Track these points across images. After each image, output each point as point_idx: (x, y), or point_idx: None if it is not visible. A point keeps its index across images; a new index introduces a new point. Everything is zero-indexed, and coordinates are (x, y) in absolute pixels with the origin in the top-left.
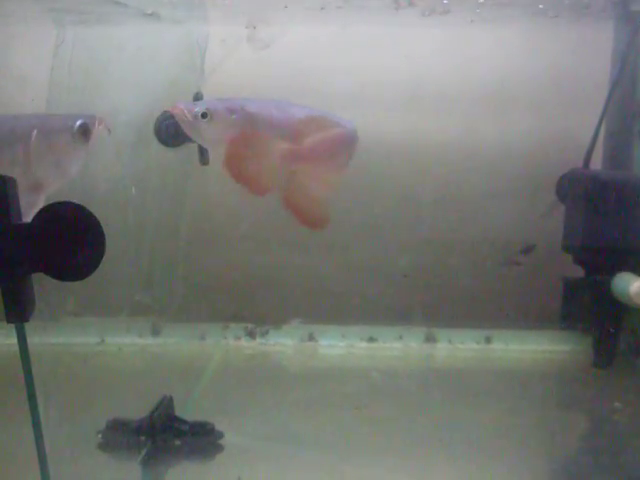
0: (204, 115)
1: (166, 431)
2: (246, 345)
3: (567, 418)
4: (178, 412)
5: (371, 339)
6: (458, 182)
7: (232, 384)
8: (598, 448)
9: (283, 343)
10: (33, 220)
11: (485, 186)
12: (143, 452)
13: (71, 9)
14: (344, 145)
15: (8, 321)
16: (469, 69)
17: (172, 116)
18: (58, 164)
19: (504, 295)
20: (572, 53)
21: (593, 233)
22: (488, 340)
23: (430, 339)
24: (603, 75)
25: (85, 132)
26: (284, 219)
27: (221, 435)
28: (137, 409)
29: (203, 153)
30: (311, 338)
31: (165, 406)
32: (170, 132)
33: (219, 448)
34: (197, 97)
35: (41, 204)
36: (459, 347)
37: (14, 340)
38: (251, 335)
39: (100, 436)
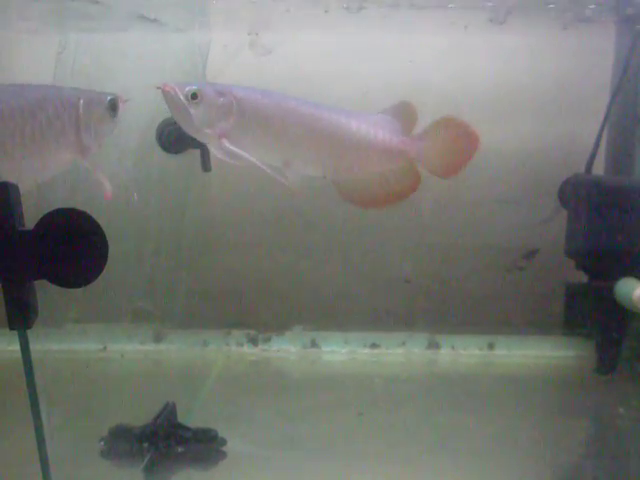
0: (194, 95)
1: (169, 438)
2: (249, 352)
3: (570, 424)
4: (181, 419)
5: (374, 345)
6: (460, 187)
7: (235, 391)
8: (601, 454)
9: (286, 349)
10: (36, 226)
11: (488, 192)
12: (146, 459)
13: (73, 15)
14: None
15: (11, 328)
16: (471, 74)
17: (175, 122)
18: (96, 133)
19: (507, 301)
20: (574, 58)
21: (596, 238)
22: (491, 346)
23: (433, 345)
24: (605, 80)
25: (114, 106)
26: (287, 225)
27: (224, 442)
28: (140, 416)
29: (205, 159)
30: (314, 344)
31: (168, 413)
32: (172, 138)
33: (222, 455)
34: None
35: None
36: (462, 353)
37: (17, 346)
38: (253, 342)
39: (102, 443)
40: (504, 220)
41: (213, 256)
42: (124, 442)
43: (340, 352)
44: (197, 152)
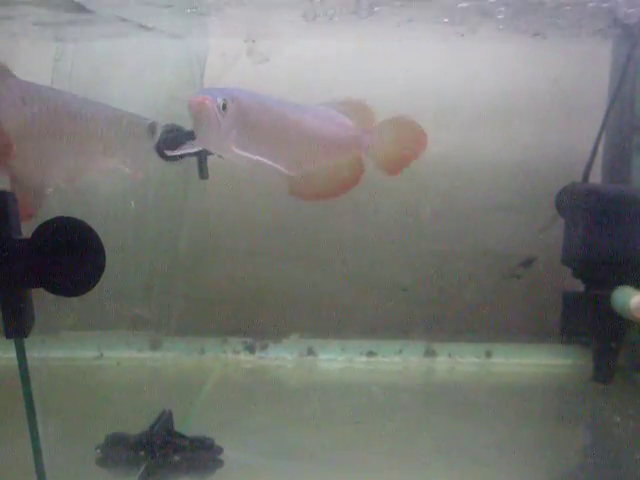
0: (224, 106)
1: (165, 446)
2: (245, 359)
3: (567, 432)
4: (177, 427)
5: (371, 353)
6: (458, 195)
7: (231, 399)
8: (598, 462)
9: (282, 357)
10: (33, 235)
11: (485, 199)
12: (142, 467)
13: (70, 24)
14: None
15: (7, 336)
16: (469, 83)
17: (172, 130)
18: (133, 154)
19: (504, 309)
20: (571, 67)
21: (593, 247)
22: (488, 354)
23: (430, 353)
24: (602, 89)
25: (153, 130)
26: (284, 233)
27: (221, 450)
28: (136, 424)
29: (202, 167)
30: (310, 352)
31: (164, 421)
32: (170, 146)
33: (219, 463)
34: None
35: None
36: (459, 361)
37: (13, 354)
38: (250, 349)
39: (99, 451)
40: (501, 228)
41: (210, 263)
42: (120, 450)
43: (337, 360)
44: (194, 159)
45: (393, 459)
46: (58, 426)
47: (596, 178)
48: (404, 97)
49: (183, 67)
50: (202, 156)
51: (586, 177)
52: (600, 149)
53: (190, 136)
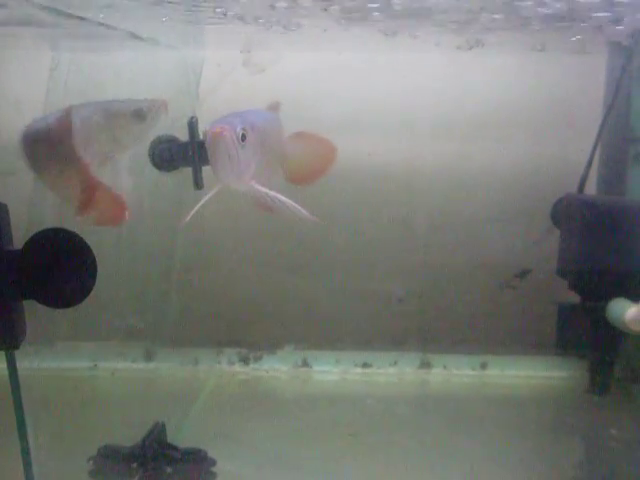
0: (243, 137)
1: (158, 458)
2: (240, 370)
3: (563, 444)
4: (171, 438)
5: (365, 365)
6: (453, 207)
7: (225, 410)
8: (594, 475)
9: (277, 369)
10: (24, 246)
11: (480, 211)
12: (135, 479)
13: (67, 33)
14: None
15: None
16: (465, 95)
17: (167, 140)
18: (118, 140)
19: (499, 320)
20: (566, 79)
21: (588, 258)
22: (483, 366)
23: (425, 365)
24: (597, 101)
25: (139, 115)
26: (278, 244)
27: (214, 462)
28: (129, 435)
29: (197, 177)
30: (305, 364)
31: (157, 433)
32: (165, 156)
33: (212, 475)
34: (192, 121)
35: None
36: (454, 373)
37: (4, 364)
38: (245, 360)
39: (91, 463)
40: (497, 240)
41: (205, 275)
42: (113, 462)
43: (332, 372)
44: (189, 170)
45: (388, 471)
46: (50, 437)
47: (591, 190)
48: (400, 108)
49: (178, 77)
50: (197, 166)
51: (581, 188)
52: (595, 161)
53: (184, 148)
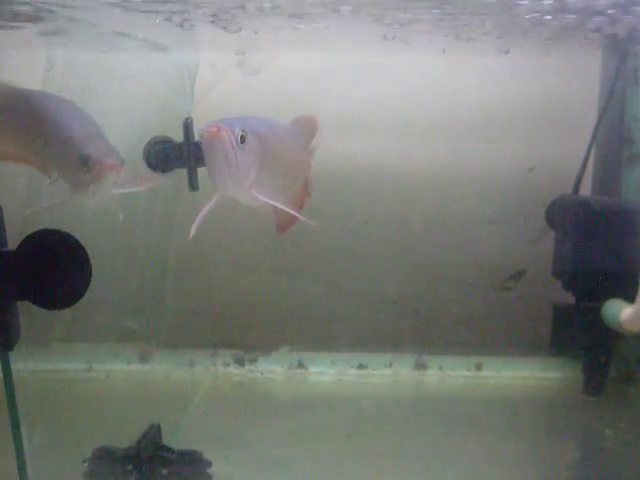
0: (242, 139)
1: (153, 460)
2: (235, 372)
3: (558, 445)
4: (166, 440)
5: (361, 366)
6: (448, 208)
7: (221, 412)
8: (589, 475)
9: (272, 370)
10: (19, 247)
11: (475, 212)
12: None
13: (61, 34)
14: None
15: None
16: (460, 96)
17: (162, 141)
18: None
19: (494, 321)
20: (561, 79)
21: (583, 259)
22: (478, 367)
23: (420, 366)
24: (592, 101)
25: (86, 163)
26: (274, 245)
27: (209, 464)
28: (125, 437)
29: (193, 178)
30: (300, 365)
31: (152, 434)
32: (160, 157)
33: (207, 477)
34: (187, 123)
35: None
36: (449, 374)
37: None
38: (240, 362)
39: (86, 464)
40: (492, 241)
41: (200, 276)
42: (108, 464)
43: (327, 373)
44: (184, 171)
45: (383, 472)
46: (45, 439)
47: (586, 190)
48: (395, 109)
49: (173, 78)
50: (192, 168)
51: (576, 189)
52: (590, 161)
53: (179, 149)
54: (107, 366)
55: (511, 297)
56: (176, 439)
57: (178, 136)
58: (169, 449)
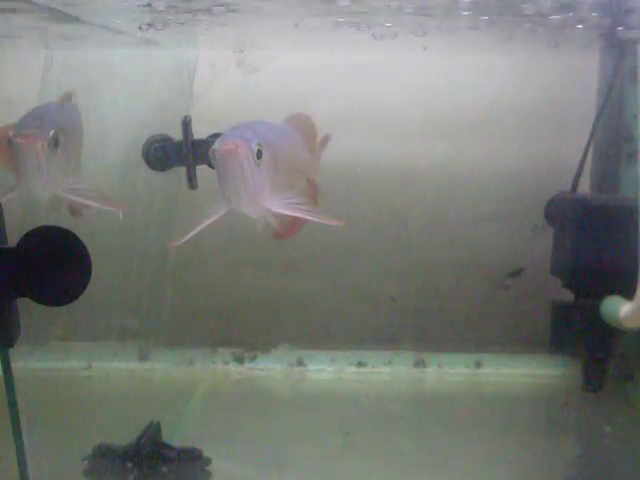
0: (259, 153)
1: (153, 457)
2: (234, 370)
3: (557, 442)
4: (166, 438)
5: (360, 364)
6: (447, 206)
7: (220, 409)
8: (588, 472)
9: (271, 368)
10: (18, 244)
11: (474, 210)
12: (129, 479)
13: (59, 32)
14: None
15: None
16: (458, 94)
17: (161, 139)
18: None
19: (493, 319)
20: (560, 77)
21: (582, 256)
22: (478, 364)
23: (419, 364)
24: (590, 99)
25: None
26: (272, 243)
27: (209, 461)
28: (125, 435)
29: (191, 177)
30: (300, 363)
31: (152, 432)
32: (158, 156)
33: (207, 474)
34: (185, 121)
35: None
36: (448, 371)
37: None
38: (239, 360)
39: (86, 462)
40: (490, 238)
41: (199, 274)
42: (108, 461)
43: (326, 370)
44: (183, 169)
45: (382, 470)
46: (45, 437)
47: (585, 188)
48: (393, 107)
49: (172, 76)
50: (190, 166)
51: (575, 187)
52: (589, 159)
53: (177, 147)
54: (106, 364)
55: (510, 294)
56: (176, 437)
57: (177, 134)
58: (169, 447)
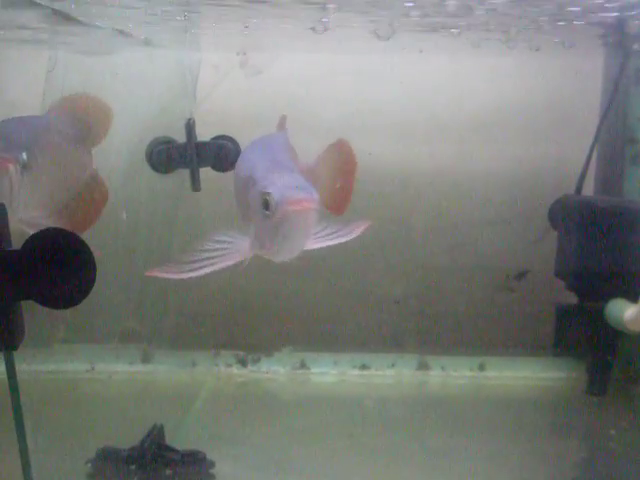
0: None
1: (157, 460)
2: (237, 373)
3: (561, 445)
4: (169, 440)
5: (363, 367)
6: (451, 208)
7: (223, 412)
8: (593, 475)
9: (275, 371)
10: (23, 247)
11: (478, 212)
12: None
13: (63, 34)
14: None
15: None
16: (462, 96)
17: (165, 142)
18: None
19: (497, 322)
20: (564, 80)
21: (586, 259)
22: (481, 367)
23: (423, 366)
24: (594, 101)
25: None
26: None
27: (212, 464)
28: (128, 437)
29: (195, 179)
30: (303, 366)
31: (156, 435)
32: (162, 158)
33: (210, 477)
34: (189, 123)
35: None
36: (452, 374)
37: (3, 367)
38: (242, 363)
39: (90, 465)
40: (494, 241)
41: (202, 276)
42: (111, 464)
43: (330, 373)
44: (186, 172)
45: (386, 472)
46: (49, 439)
47: (589, 190)
48: (397, 110)
49: (176, 78)
50: (194, 168)
51: (579, 189)
52: (593, 161)
53: (181, 150)
54: (109, 367)
55: (514, 297)
56: (179, 439)
57: (180, 136)
58: (172, 449)
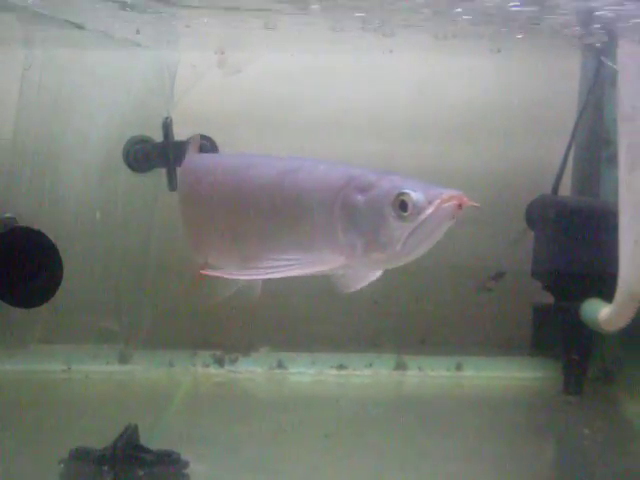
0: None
1: (129, 461)
2: (215, 372)
3: (537, 445)
4: (144, 441)
5: (341, 366)
6: None
7: (200, 412)
8: (568, 474)
9: (252, 370)
10: None
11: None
12: None
13: (40, 32)
14: None
15: None
16: (439, 97)
17: (142, 141)
18: None
19: (474, 322)
20: (541, 80)
21: (562, 259)
22: (459, 367)
23: (400, 366)
24: (571, 102)
25: None
26: None
27: (186, 464)
28: (103, 438)
29: (172, 178)
30: (280, 365)
31: (129, 435)
32: (139, 157)
33: (184, 477)
34: (166, 122)
35: None
36: (429, 374)
37: None
38: (220, 362)
39: (62, 465)
40: (471, 242)
41: (179, 276)
42: (84, 465)
43: (307, 373)
44: (163, 171)
45: (363, 472)
46: (22, 439)
47: (565, 191)
48: (376, 111)
49: (153, 77)
50: (171, 167)
51: (555, 190)
52: (569, 162)
53: (158, 149)
54: (86, 367)
55: (491, 297)
56: (154, 440)
57: (157, 135)
58: (146, 450)
